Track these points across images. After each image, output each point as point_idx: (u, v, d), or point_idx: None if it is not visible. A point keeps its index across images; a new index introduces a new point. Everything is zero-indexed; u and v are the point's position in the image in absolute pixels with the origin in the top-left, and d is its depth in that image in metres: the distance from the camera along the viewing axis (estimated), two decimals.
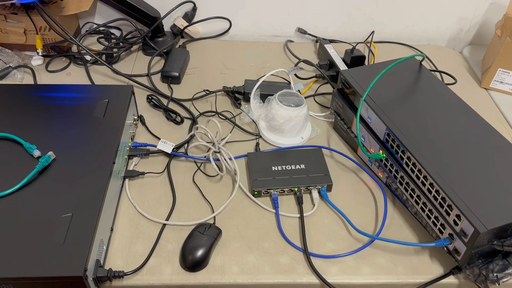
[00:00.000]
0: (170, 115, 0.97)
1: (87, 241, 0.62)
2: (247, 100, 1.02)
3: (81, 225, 0.64)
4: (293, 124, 0.90)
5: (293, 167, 0.84)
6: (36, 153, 0.73)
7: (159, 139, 0.91)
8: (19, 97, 0.85)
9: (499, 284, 0.66)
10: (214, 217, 0.78)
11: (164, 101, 1.02)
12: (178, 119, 0.97)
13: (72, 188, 0.69)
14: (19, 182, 0.68)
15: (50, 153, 0.72)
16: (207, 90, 1.05)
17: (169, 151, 0.86)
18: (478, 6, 1.26)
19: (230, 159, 0.85)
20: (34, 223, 0.64)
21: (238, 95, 1.04)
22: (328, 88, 1.11)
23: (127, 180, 0.83)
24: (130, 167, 0.85)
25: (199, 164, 0.88)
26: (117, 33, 1.25)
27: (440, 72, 1.16)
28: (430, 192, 0.71)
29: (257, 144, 0.92)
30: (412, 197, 0.77)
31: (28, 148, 0.73)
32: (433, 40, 1.33)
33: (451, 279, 0.71)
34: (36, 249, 0.61)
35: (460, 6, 1.26)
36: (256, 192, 0.81)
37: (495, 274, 0.66)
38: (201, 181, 0.84)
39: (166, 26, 1.24)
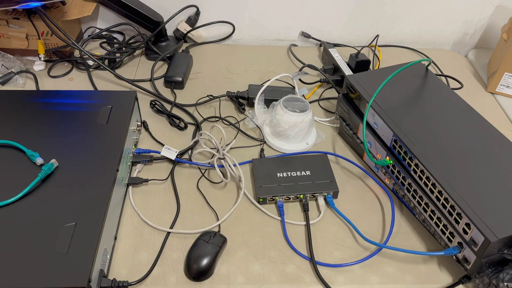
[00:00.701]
0: (173, 120, 0.96)
1: (90, 250, 0.61)
2: (251, 105, 1.01)
3: (85, 234, 0.63)
4: (298, 129, 0.89)
5: (298, 173, 0.83)
6: (39, 160, 0.72)
7: (163, 145, 0.90)
8: (21, 103, 0.84)
9: None
10: (219, 225, 0.77)
11: (168, 107, 1.01)
12: (182, 124, 0.96)
13: (75, 196, 0.68)
14: (21, 191, 0.67)
15: (53, 160, 0.71)
16: (211, 95, 1.04)
17: (173, 157, 0.85)
18: (484, 9, 1.25)
19: (235, 165, 0.84)
20: (37, 233, 0.63)
21: (242, 100, 1.03)
22: (333, 92, 1.10)
23: (130, 187, 0.82)
24: (134, 174, 0.84)
25: (203, 171, 0.87)
26: (119, 37, 1.24)
27: (446, 76, 1.15)
28: (438, 200, 0.70)
29: (262, 150, 0.91)
30: (420, 204, 0.75)
31: (30, 155, 0.72)
32: (438, 44, 1.32)
33: None
34: (39, 260, 0.60)
35: (465, 10, 1.25)
36: (261, 199, 0.80)
37: (505, 283, 0.65)
38: (206, 188, 0.83)
39: (169, 30, 1.24)
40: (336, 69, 1.11)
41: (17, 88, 1.04)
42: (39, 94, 0.88)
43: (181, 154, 0.88)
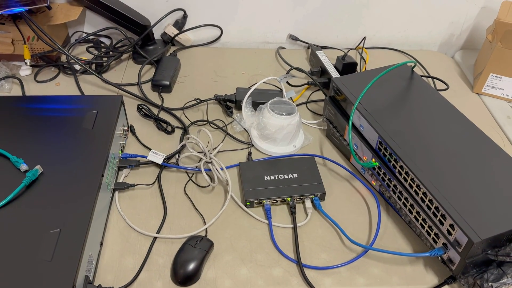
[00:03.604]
0: (161, 124, 0.96)
1: (75, 257, 0.61)
2: (239, 108, 1.02)
3: (70, 240, 0.63)
4: (285, 132, 0.89)
5: (285, 176, 0.83)
6: (23, 167, 0.71)
7: (150, 149, 0.90)
8: (7, 109, 0.84)
9: None
10: (206, 229, 0.77)
11: (155, 111, 1.01)
12: (169, 128, 0.96)
13: (60, 202, 0.68)
14: (5, 198, 0.67)
15: (38, 166, 0.71)
16: (198, 99, 1.04)
17: (160, 162, 0.85)
18: (469, 10, 1.26)
19: (222, 169, 0.83)
20: (21, 240, 0.62)
21: (230, 104, 1.03)
22: (320, 95, 1.11)
23: (117, 192, 0.81)
24: (120, 179, 0.84)
25: (190, 175, 0.86)
26: (107, 41, 1.24)
27: (432, 78, 1.16)
28: (423, 201, 0.71)
29: (249, 153, 0.91)
30: (405, 206, 0.76)
31: (15, 162, 0.72)
32: (425, 45, 1.33)
33: None
34: (23, 267, 0.59)
35: (451, 11, 1.26)
36: (248, 203, 0.80)
37: (490, 283, 0.65)
38: (193, 192, 0.83)
39: (157, 34, 1.23)
40: (323, 71, 1.12)
41: (2, 94, 1.03)
42: (24, 100, 0.87)
43: (168, 158, 0.88)
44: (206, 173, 0.82)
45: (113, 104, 0.86)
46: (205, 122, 0.99)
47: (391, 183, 0.78)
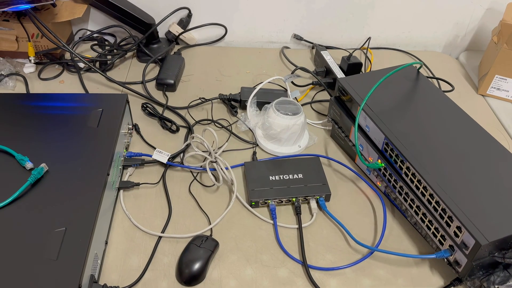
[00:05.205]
0: (165, 123, 0.96)
1: (81, 256, 0.60)
2: (244, 108, 1.01)
3: (75, 239, 0.62)
4: (290, 132, 0.89)
5: (290, 176, 0.83)
6: (29, 165, 0.71)
7: (154, 148, 0.90)
8: (11, 106, 0.83)
9: None
10: (211, 229, 0.76)
11: (159, 109, 1.00)
12: (174, 127, 0.95)
13: (65, 201, 0.67)
14: (10, 196, 0.66)
15: (43, 165, 0.71)
16: (203, 98, 1.03)
17: (165, 161, 0.84)
18: (474, 12, 1.26)
19: (227, 168, 0.83)
20: (26, 239, 0.62)
21: (235, 103, 1.03)
22: (325, 95, 1.10)
23: (121, 191, 0.81)
24: (125, 178, 0.83)
25: (195, 174, 0.86)
26: (111, 39, 1.23)
27: (437, 79, 1.16)
28: (430, 203, 0.71)
29: (254, 153, 0.91)
30: (411, 207, 0.76)
31: (20, 160, 0.72)
32: (430, 46, 1.33)
33: None
34: (28, 266, 0.59)
35: (456, 12, 1.26)
36: (253, 203, 0.80)
37: (496, 286, 0.65)
38: (198, 192, 0.83)
39: (161, 32, 1.23)
40: (328, 71, 1.12)
41: (6, 91, 1.03)
42: (29, 97, 0.87)
43: (172, 157, 0.87)
44: (211, 173, 0.82)
45: (118, 102, 0.86)
46: (209, 122, 0.99)
47: (397, 184, 0.78)
